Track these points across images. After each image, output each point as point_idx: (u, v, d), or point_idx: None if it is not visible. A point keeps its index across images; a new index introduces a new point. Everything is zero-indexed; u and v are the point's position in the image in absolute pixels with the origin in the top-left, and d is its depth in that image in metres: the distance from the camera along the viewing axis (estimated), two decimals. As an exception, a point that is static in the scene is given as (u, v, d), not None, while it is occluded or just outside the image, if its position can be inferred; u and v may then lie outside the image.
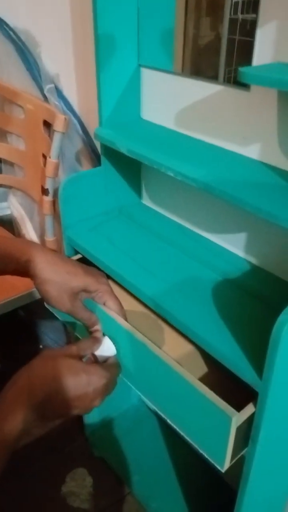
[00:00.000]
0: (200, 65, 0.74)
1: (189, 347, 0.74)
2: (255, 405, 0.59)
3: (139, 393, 0.74)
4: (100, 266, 0.81)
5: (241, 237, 0.79)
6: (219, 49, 0.69)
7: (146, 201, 0.98)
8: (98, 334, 0.70)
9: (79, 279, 0.65)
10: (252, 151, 0.70)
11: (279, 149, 0.66)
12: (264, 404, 0.57)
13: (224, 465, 0.61)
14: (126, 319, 0.69)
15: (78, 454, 1.26)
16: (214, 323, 0.67)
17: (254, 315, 0.68)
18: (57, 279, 0.64)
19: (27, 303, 1.15)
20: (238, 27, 0.65)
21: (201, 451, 0.64)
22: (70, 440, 1.29)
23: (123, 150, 0.75)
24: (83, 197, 0.89)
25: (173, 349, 0.74)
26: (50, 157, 0.99)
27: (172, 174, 0.67)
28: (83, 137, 1.08)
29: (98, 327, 0.70)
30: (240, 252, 0.80)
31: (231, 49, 0.67)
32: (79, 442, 1.29)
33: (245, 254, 0.79)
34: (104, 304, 0.69)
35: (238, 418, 0.57)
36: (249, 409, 0.60)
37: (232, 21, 0.66)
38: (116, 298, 0.69)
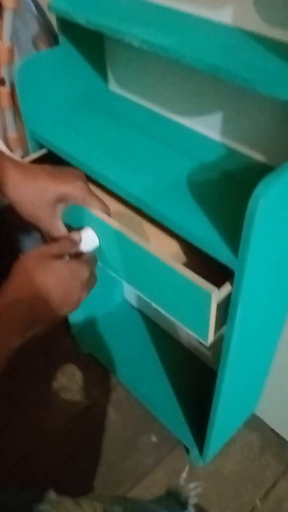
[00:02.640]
0: None
1: (172, 241, 0.73)
2: (232, 284, 0.59)
3: (126, 282, 0.73)
4: (67, 158, 0.76)
5: (216, 117, 0.73)
6: None
7: (113, 85, 0.90)
8: (76, 235, 0.68)
9: (52, 192, 0.61)
10: (225, 15, 0.62)
11: (253, 9, 0.58)
12: (240, 281, 0.57)
13: (208, 339, 0.63)
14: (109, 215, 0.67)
15: (66, 353, 1.30)
16: (190, 208, 0.64)
17: (230, 198, 0.66)
18: (29, 197, 0.60)
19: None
20: None
21: (186, 329, 0.66)
22: (57, 341, 1.33)
23: (81, 20, 0.66)
24: (43, 83, 0.80)
25: (155, 242, 0.73)
26: (2, 40, 0.88)
27: (137, 44, 0.59)
28: (39, 17, 0.96)
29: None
30: (215, 135, 0.75)
31: None
32: (67, 342, 1.32)
33: (221, 136, 0.75)
34: (87, 206, 0.66)
35: (217, 294, 0.57)
36: (227, 287, 0.60)
37: None
38: (97, 198, 0.66)
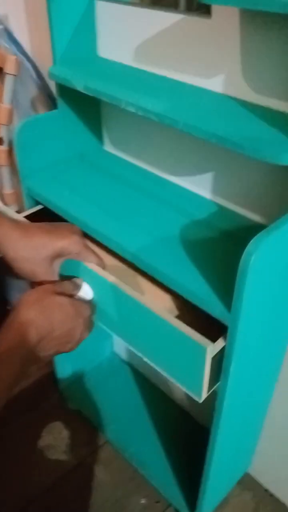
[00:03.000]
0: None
1: (166, 295, 0.73)
2: (225, 339, 0.60)
3: (120, 338, 0.73)
4: (63, 215, 0.78)
5: (207, 177, 0.77)
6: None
7: (108, 146, 0.94)
8: (78, 281, 0.69)
9: (49, 248, 0.63)
10: (216, 84, 0.67)
11: (243, 80, 0.63)
12: (234, 336, 0.58)
13: (202, 396, 0.63)
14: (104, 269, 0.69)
15: (54, 409, 1.27)
16: (183, 263, 0.66)
17: (222, 253, 0.68)
18: (26, 255, 0.62)
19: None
20: None
21: (179, 385, 0.65)
22: (45, 396, 1.29)
23: (80, 87, 0.71)
24: (40, 143, 0.84)
25: (150, 295, 0.74)
26: (2, 102, 0.93)
27: (132, 109, 0.63)
28: (38, 82, 1.02)
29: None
30: (207, 194, 0.79)
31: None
32: (54, 397, 1.29)
33: (212, 195, 0.78)
34: (83, 260, 0.67)
35: (212, 348, 0.57)
36: (222, 342, 0.60)
37: None
38: (92, 252, 0.68)
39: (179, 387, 0.66)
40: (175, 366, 0.65)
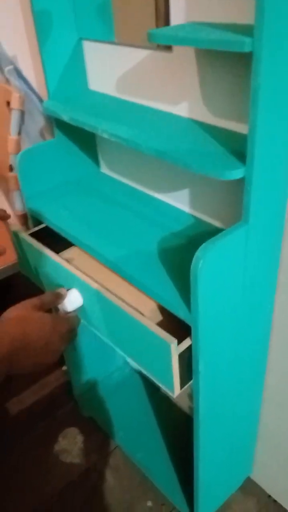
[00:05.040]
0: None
1: (151, 302, 0.80)
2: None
3: (106, 339, 0.80)
4: (60, 231, 0.87)
5: (184, 193, 0.84)
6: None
7: (104, 169, 1.03)
8: (62, 291, 0.77)
9: None
10: (182, 109, 0.74)
11: (202, 104, 0.70)
12: (197, 335, 0.64)
13: (174, 391, 0.68)
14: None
15: (69, 416, 1.34)
16: (157, 271, 0.72)
17: (190, 260, 0.74)
18: None
19: (3, 277, 1.21)
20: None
21: (156, 381, 0.71)
22: (60, 405, 1.37)
23: (66, 118, 0.80)
24: (41, 169, 0.94)
25: (136, 300, 0.80)
26: (10, 134, 1.04)
27: (107, 136, 0.72)
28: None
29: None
30: (185, 207, 0.86)
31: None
32: (69, 405, 1.37)
33: (189, 208, 0.85)
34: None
35: (176, 344, 0.63)
36: (188, 341, 0.66)
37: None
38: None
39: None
40: (151, 363, 0.71)
